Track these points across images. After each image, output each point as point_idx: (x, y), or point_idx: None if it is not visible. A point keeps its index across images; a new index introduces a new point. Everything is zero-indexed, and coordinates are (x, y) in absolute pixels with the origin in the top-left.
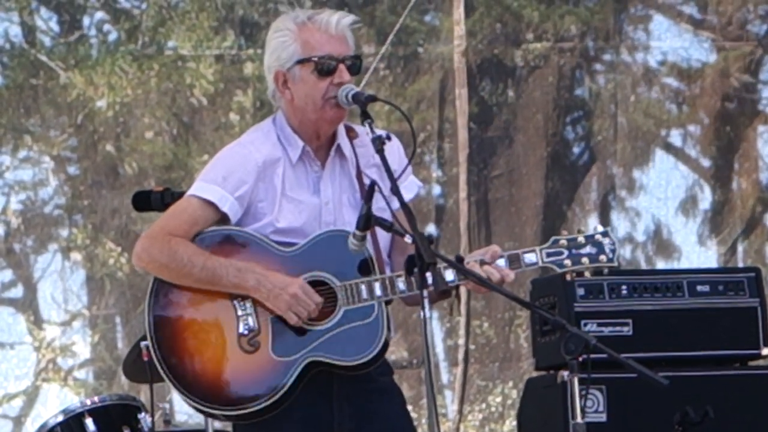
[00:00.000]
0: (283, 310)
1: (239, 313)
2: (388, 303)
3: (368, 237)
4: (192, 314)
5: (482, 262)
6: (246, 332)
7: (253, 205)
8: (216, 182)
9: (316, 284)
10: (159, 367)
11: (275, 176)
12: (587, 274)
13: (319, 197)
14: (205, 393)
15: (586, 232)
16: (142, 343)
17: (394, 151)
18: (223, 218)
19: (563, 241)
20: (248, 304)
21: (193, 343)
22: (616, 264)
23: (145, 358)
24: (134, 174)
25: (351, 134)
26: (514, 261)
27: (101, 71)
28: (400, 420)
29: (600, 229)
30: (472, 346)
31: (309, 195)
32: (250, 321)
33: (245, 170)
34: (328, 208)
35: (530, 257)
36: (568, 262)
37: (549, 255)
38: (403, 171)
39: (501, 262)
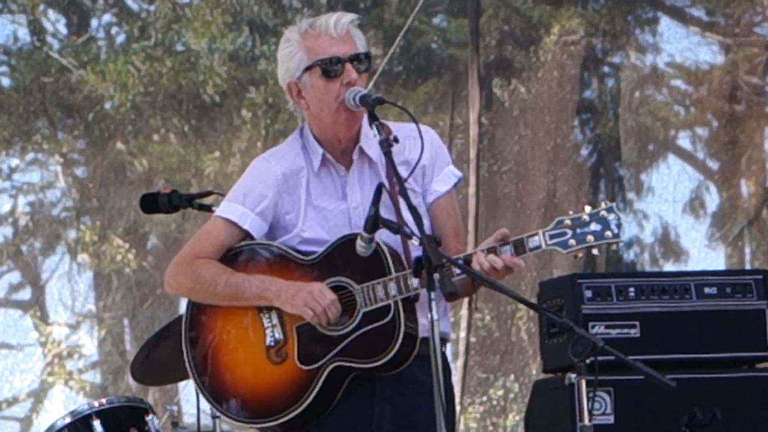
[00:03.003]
0: (300, 306)
1: (266, 325)
2: (416, 299)
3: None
4: (222, 331)
5: (488, 251)
6: (273, 344)
7: (281, 217)
8: (237, 200)
9: (336, 289)
10: (195, 385)
11: (299, 186)
12: (595, 251)
13: (346, 202)
14: (239, 407)
15: (592, 209)
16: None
17: (420, 145)
18: (251, 234)
19: (567, 221)
20: (274, 316)
21: (225, 359)
22: (622, 239)
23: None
24: (144, 172)
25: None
26: (518, 246)
27: (113, 68)
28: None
29: (605, 205)
30: (473, 339)
31: (336, 201)
32: (276, 333)
33: (265, 185)
34: (357, 212)
35: (534, 241)
36: (572, 242)
37: (552, 237)
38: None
39: (506, 249)
